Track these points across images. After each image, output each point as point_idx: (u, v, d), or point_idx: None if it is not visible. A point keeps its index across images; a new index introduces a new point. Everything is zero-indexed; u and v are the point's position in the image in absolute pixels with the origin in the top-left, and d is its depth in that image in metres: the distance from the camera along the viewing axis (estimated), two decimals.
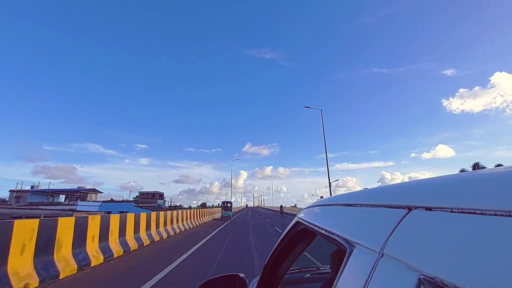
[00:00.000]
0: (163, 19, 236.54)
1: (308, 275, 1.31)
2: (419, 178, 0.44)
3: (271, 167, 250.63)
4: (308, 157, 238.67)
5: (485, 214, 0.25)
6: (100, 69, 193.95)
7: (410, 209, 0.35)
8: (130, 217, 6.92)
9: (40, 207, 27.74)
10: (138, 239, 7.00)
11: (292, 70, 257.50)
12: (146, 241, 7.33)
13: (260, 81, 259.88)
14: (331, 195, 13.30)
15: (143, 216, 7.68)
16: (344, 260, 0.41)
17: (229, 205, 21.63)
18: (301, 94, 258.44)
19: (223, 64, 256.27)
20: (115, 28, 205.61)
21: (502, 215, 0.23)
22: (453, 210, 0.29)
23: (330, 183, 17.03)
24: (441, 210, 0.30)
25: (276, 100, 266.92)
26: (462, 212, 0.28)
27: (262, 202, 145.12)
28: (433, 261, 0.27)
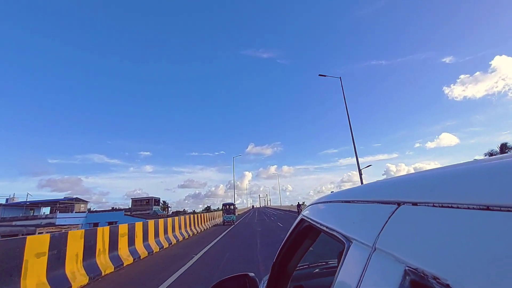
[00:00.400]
0: (161, 26, 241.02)
1: (317, 270, 1.36)
2: (408, 173, 0.46)
3: (275, 166, 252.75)
4: (311, 154, 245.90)
5: (461, 208, 0.27)
6: (98, 77, 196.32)
7: (399, 204, 0.37)
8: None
9: (14, 222, 24.81)
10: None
11: (290, 68, 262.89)
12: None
13: (259, 81, 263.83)
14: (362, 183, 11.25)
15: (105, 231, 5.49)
16: (343, 255, 0.44)
17: (231, 207, 18.59)
18: (301, 91, 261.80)
19: (221, 66, 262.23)
20: (114, 35, 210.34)
21: (474, 208, 0.26)
22: (434, 204, 0.31)
23: (360, 170, 14.74)
24: (425, 205, 0.32)
25: (276, 98, 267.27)
26: (442, 207, 0.29)
27: (268, 202, 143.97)
28: (417, 253, 0.29)
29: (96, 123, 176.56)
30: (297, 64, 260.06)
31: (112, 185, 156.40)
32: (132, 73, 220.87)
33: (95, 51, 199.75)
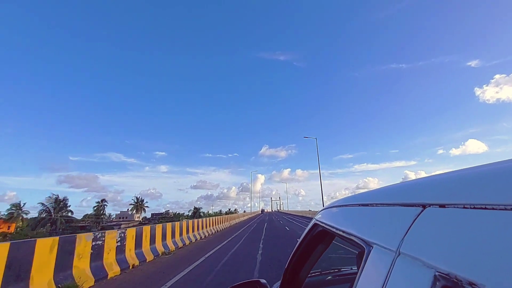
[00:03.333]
0: (180, 30, 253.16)
1: (329, 277, 1.29)
2: (432, 174, 0.45)
3: (289, 169, 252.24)
4: (325, 159, 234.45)
5: (496, 209, 0.25)
6: (119, 80, 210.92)
7: (424, 206, 0.36)
8: None
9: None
10: None
11: (307, 71, 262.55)
12: None
13: (275, 83, 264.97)
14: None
15: None
16: (363, 260, 0.43)
17: None
18: (316, 94, 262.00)
19: (237, 69, 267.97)
20: (137, 39, 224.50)
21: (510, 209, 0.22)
22: (465, 206, 0.29)
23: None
24: (454, 207, 0.31)
25: (292, 101, 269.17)
26: (474, 208, 0.28)
27: (281, 206, 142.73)
28: (447, 257, 0.27)
29: (116, 123, 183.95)
30: (313, 67, 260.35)
31: (127, 183, 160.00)
32: (152, 75, 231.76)
33: (119, 52, 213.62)
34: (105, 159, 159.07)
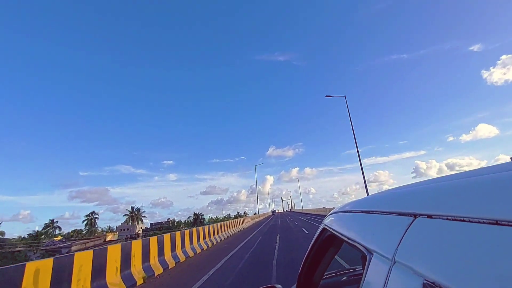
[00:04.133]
0: (178, 35, 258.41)
1: (345, 278, 1.35)
2: (424, 180, 0.50)
3: (297, 168, 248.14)
4: (334, 155, 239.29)
5: (472, 222, 0.28)
6: (123, 93, 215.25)
7: (415, 216, 0.39)
8: None
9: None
10: None
11: (307, 69, 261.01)
12: None
13: (277, 84, 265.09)
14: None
15: None
16: (365, 267, 0.47)
17: None
18: (319, 91, 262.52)
19: (239, 73, 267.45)
20: (131, 45, 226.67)
21: (484, 222, 0.27)
22: (448, 217, 0.32)
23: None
24: (439, 218, 0.34)
25: (295, 99, 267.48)
26: (455, 220, 0.31)
27: (292, 205, 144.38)
28: (434, 266, 0.30)
29: (123, 135, 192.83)
30: (314, 65, 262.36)
31: (138, 194, 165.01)
32: (151, 84, 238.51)
33: (118, 64, 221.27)
34: (115, 172, 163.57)
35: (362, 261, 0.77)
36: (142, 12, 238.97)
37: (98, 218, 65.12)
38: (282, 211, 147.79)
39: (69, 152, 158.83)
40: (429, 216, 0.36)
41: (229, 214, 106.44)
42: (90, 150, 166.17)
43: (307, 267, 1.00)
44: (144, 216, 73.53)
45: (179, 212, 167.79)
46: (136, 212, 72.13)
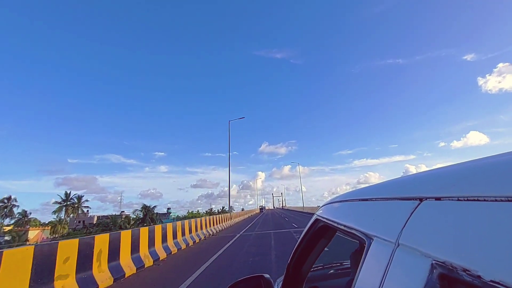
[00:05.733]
0: (174, 28, 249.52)
1: (332, 271, 1.45)
2: (429, 169, 0.55)
3: (289, 166, 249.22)
4: (325, 155, 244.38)
5: (487, 201, 0.30)
6: (115, 81, 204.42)
7: (421, 200, 0.43)
8: None
9: None
10: None
11: (304, 68, 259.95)
12: None
13: (273, 81, 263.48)
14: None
15: None
16: (364, 252, 0.51)
17: None
18: (314, 91, 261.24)
19: (235, 67, 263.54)
20: (128, 37, 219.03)
21: (502, 200, 0.28)
22: (459, 198, 0.34)
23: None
24: (449, 199, 0.36)
25: (290, 98, 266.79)
26: (467, 200, 0.33)
27: (283, 202, 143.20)
28: (443, 247, 0.32)
29: (114, 124, 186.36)
30: (310, 65, 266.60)
31: (128, 184, 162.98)
32: (149, 75, 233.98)
33: (115, 52, 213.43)
34: (105, 160, 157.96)
35: (352, 259, 0.86)
36: (139, 4, 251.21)
37: (18, 206, 44.66)
38: (273, 207, 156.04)
39: (58, 139, 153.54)
40: (438, 199, 0.39)
41: (212, 209, 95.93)
42: (80, 137, 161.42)
43: (296, 258, 1.06)
44: (86, 207, 52.72)
45: (168, 204, 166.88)
46: (77, 200, 50.97)
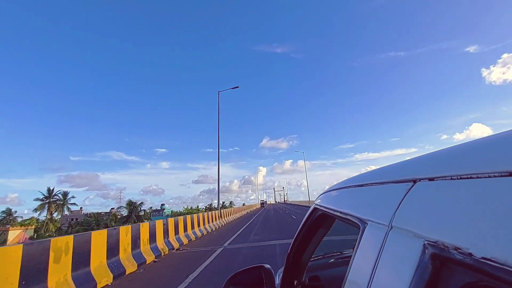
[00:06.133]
0: (175, 23, 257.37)
1: (332, 260, 1.47)
2: (423, 154, 0.56)
3: (291, 161, 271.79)
4: (326, 150, 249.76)
5: (480, 178, 0.30)
6: (116, 78, 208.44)
7: (415, 181, 0.44)
8: None
9: None
10: None
11: (304, 62, 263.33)
12: None
13: (273, 75, 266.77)
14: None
15: None
16: (358, 237, 0.52)
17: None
18: (315, 85, 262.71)
19: (235, 62, 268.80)
20: (129, 34, 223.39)
21: (495, 176, 0.28)
22: (452, 177, 0.35)
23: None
24: (442, 179, 0.37)
25: (291, 92, 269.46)
26: (461, 178, 0.33)
27: (285, 196, 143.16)
28: (435, 226, 0.33)
29: (115, 121, 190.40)
30: (311, 59, 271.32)
31: (130, 181, 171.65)
32: (149, 72, 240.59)
33: (114, 48, 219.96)
34: (106, 157, 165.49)
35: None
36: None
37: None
38: (275, 202, 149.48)
39: (60, 137, 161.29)
40: (431, 179, 0.39)
41: (211, 204, 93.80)
42: (81, 135, 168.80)
43: (295, 248, 1.08)
44: (73, 204, 47.95)
45: (170, 200, 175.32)
46: (59, 197, 46.41)
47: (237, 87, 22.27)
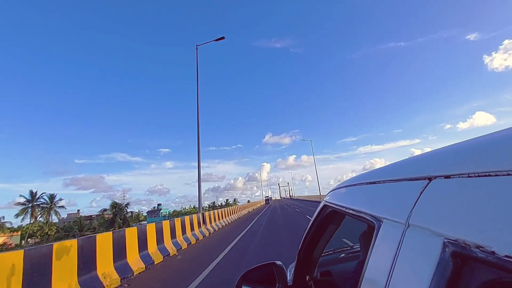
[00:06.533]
0: (174, 22, 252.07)
1: (343, 255, 1.49)
2: (436, 148, 0.55)
3: (294, 156, 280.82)
4: (330, 143, 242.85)
5: (499, 175, 0.30)
6: (116, 81, 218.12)
7: (430, 179, 0.44)
8: None
9: None
10: None
11: (304, 57, 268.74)
12: None
13: (273, 71, 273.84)
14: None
15: None
16: (374, 235, 0.52)
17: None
18: (316, 79, 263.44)
19: (235, 59, 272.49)
20: (129, 33, 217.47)
21: None
22: (469, 175, 0.35)
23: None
24: (459, 177, 0.38)
25: (292, 87, 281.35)
26: (478, 176, 0.34)
27: (290, 191, 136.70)
28: (455, 224, 0.33)
29: (118, 123, 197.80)
30: (311, 53, 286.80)
31: (135, 181, 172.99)
32: (149, 71, 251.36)
33: (116, 51, 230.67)
34: (111, 159, 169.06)
35: (360, 240, 0.84)
36: None
37: None
38: (280, 198, 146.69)
39: (64, 140, 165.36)
40: (447, 177, 0.40)
41: (214, 202, 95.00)
42: (85, 138, 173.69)
43: (306, 244, 1.10)
44: (61, 207, 43.25)
45: (176, 199, 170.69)
46: (45, 200, 42.08)
47: (223, 38, 16.11)
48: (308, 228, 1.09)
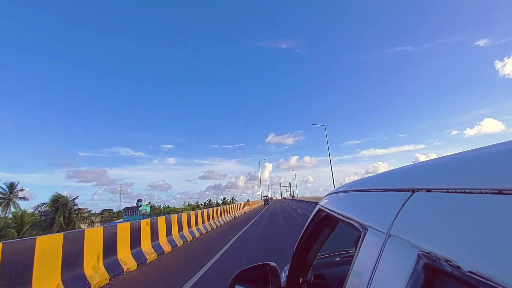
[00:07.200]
0: (181, 21, 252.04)
1: (338, 258, 1.53)
2: (421, 160, 0.61)
3: (297, 156, 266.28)
4: (333, 145, 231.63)
5: (473, 193, 0.33)
6: (123, 76, 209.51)
7: (413, 191, 0.48)
8: None
9: None
10: None
11: (310, 58, 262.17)
12: None
13: (279, 72, 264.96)
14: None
15: None
16: (359, 242, 0.57)
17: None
18: (321, 81, 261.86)
19: (241, 59, 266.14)
20: (135, 32, 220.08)
21: (486, 193, 0.31)
22: (448, 190, 0.39)
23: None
24: (438, 191, 0.41)
25: (297, 88, 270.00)
26: (455, 192, 0.37)
27: (292, 192, 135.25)
28: (429, 238, 0.36)
29: (123, 118, 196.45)
30: (317, 55, 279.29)
31: (137, 176, 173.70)
32: (156, 69, 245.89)
33: (121, 46, 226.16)
34: (114, 153, 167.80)
35: (356, 244, 1.01)
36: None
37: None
38: (281, 198, 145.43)
39: (69, 133, 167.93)
40: (428, 190, 0.43)
41: (210, 199, 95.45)
42: (90, 131, 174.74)
43: (301, 247, 1.13)
44: (23, 198, 36.44)
45: (177, 195, 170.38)
46: (5, 190, 34.94)
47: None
48: (303, 231, 1.15)
